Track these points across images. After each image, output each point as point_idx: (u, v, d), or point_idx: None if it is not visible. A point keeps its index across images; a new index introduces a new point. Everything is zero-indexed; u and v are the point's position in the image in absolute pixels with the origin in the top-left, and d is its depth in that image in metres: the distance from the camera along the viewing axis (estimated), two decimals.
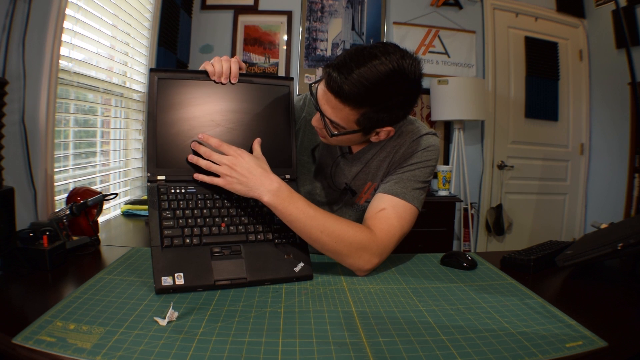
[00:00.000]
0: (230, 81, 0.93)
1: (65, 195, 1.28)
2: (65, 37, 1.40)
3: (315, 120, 0.93)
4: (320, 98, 0.87)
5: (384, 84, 0.80)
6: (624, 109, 2.95)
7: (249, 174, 0.84)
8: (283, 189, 0.84)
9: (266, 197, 0.83)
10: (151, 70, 0.89)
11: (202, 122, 0.91)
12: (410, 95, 0.86)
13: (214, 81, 0.92)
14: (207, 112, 0.92)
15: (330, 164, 1.08)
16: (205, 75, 0.92)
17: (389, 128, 0.90)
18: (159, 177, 0.88)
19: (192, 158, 0.88)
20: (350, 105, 0.82)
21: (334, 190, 1.08)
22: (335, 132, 0.89)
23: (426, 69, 3.23)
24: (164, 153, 0.89)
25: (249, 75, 0.95)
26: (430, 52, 3.11)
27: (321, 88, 0.87)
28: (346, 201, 1.07)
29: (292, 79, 1.00)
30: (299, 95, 1.15)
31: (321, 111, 0.88)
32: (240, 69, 0.94)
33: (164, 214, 0.83)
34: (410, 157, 0.99)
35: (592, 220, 3.18)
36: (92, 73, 1.70)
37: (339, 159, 1.07)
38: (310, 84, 0.93)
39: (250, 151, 0.92)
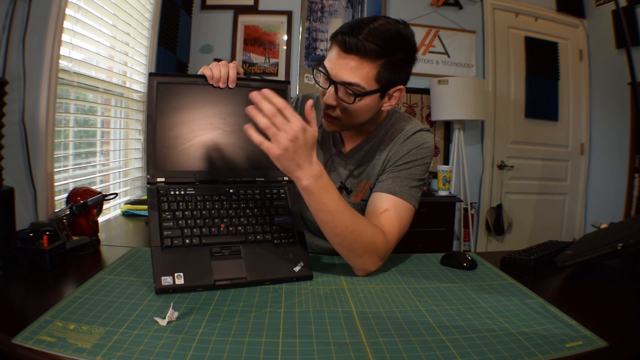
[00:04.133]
0: (228, 85, 0.94)
1: (65, 195, 1.28)
2: (65, 37, 1.40)
3: (330, 97, 0.92)
4: (333, 68, 0.89)
5: (394, 38, 0.87)
6: (624, 109, 2.95)
7: (302, 152, 0.77)
8: (324, 176, 0.81)
9: (306, 181, 0.79)
10: (150, 74, 0.90)
11: (201, 125, 0.92)
12: (413, 55, 0.93)
13: (212, 85, 0.93)
14: (206, 115, 0.92)
15: (323, 163, 1.08)
16: (203, 79, 0.93)
17: (401, 86, 0.94)
18: (159, 179, 0.89)
19: (251, 110, 0.77)
20: (369, 59, 0.86)
21: None
22: (358, 92, 0.89)
23: (426, 69, 3.25)
24: (164, 155, 0.89)
25: (246, 79, 0.96)
26: (430, 52, 3.11)
27: (332, 58, 0.90)
28: None
29: (289, 82, 1.01)
30: (291, 98, 1.16)
31: (335, 82, 0.89)
32: (237, 73, 0.95)
33: (164, 215, 0.83)
34: (405, 154, 1.00)
35: (592, 220, 3.18)
36: (92, 73, 1.70)
37: (333, 157, 1.07)
38: (314, 65, 0.95)
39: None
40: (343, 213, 0.83)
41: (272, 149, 0.76)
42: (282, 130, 0.75)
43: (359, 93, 0.89)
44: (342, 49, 0.87)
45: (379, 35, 0.85)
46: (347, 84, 0.88)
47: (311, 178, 0.79)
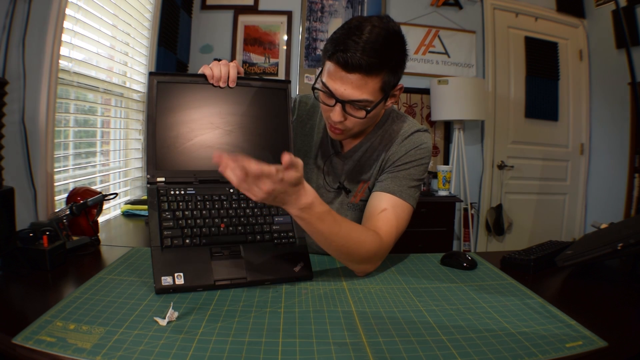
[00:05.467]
0: (228, 85, 0.94)
1: (65, 195, 1.28)
2: (65, 37, 1.40)
3: (337, 115, 0.90)
4: (338, 88, 0.87)
5: (388, 43, 0.85)
6: (624, 109, 2.95)
7: (283, 196, 0.73)
8: (316, 206, 0.76)
9: (295, 211, 0.75)
10: (150, 73, 0.90)
11: (201, 124, 0.92)
12: (405, 48, 0.91)
13: (212, 85, 0.93)
14: (206, 115, 0.92)
15: (322, 164, 1.08)
16: (203, 78, 0.93)
17: (400, 85, 0.95)
18: (159, 179, 0.89)
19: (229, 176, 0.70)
20: (373, 74, 0.85)
21: (328, 190, 1.08)
22: (368, 108, 0.88)
23: (426, 69, 3.25)
24: (164, 155, 0.89)
25: (246, 78, 0.96)
26: (430, 52, 3.11)
27: (334, 77, 0.87)
28: (341, 201, 1.07)
29: (289, 81, 1.00)
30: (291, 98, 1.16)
31: (343, 101, 0.88)
32: (238, 73, 0.95)
33: (164, 215, 0.83)
34: (403, 155, 1.00)
35: (592, 220, 3.18)
36: (92, 73, 1.70)
37: (331, 157, 1.07)
38: (314, 87, 0.93)
39: (273, 157, 0.88)
40: (338, 234, 0.81)
41: (250, 196, 0.71)
42: (255, 187, 0.69)
43: (369, 109, 0.88)
44: (343, 69, 0.85)
45: (377, 47, 0.83)
46: (355, 102, 0.88)
47: (300, 211, 0.75)
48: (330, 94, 0.89)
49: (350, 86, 0.86)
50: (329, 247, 0.83)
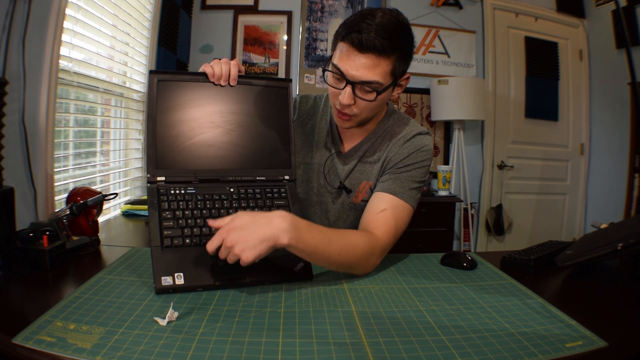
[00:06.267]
0: (229, 83, 0.93)
1: (65, 195, 1.28)
2: (65, 37, 1.40)
3: (347, 97, 0.90)
4: (350, 68, 0.88)
5: (399, 29, 0.88)
6: (624, 109, 2.95)
7: (251, 228, 0.71)
8: (297, 222, 0.75)
9: (286, 239, 0.72)
10: (151, 72, 0.90)
11: (202, 123, 0.91)
12: (413, 40, 0.93)
13: (213, 83, 0.93)
14: (207, 113, 0.92)
15: (323, 164, 1.08)
16: (204, 77, 0.92)
17: (408, 74, 0.98)
18: (159, 178, 0.88)
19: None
20: (385, 55, 0.87)
21: (329, 190, 1.08)
22: (379, 90, 0.90)
23: (426, 69, 3.25)
24: (164, 154, 0.89)
25: (247, 77, 0.96)
26: (430, 52, 3.11)
27: (345, 58, 0.88)
28: (342, 201, 1.07)
29: (290, 80, 1.00)
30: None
31: (353, 82, 0.89)
32: (239, 71, 0.94)
33: (164, 214, 0.83)
34: (405, 157, 1.00)
35: (592, 220, 3.18)
36: (92, 73, 1.70)
37: (332, 157, 1.07)
38: (323, 67, 0.95)
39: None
40: (331, 243, 0.80)
41: (232, 259, 0.72)
42: (229, 252, 0.71)
43: (380, 90, 0.90)
44: (357, 49, 0.86)
45: (389, 30, 0.85)
46: (366, 83, 0.88)
47: (287, 234, 0.72)
48: (341, 75, 0.90)
49: (362, 66, 0.87)
50: (327, 261, 0.81)
